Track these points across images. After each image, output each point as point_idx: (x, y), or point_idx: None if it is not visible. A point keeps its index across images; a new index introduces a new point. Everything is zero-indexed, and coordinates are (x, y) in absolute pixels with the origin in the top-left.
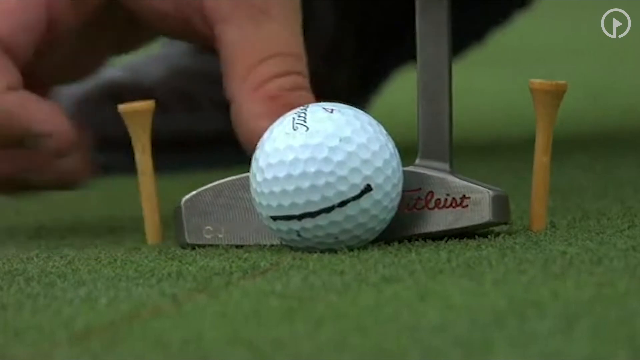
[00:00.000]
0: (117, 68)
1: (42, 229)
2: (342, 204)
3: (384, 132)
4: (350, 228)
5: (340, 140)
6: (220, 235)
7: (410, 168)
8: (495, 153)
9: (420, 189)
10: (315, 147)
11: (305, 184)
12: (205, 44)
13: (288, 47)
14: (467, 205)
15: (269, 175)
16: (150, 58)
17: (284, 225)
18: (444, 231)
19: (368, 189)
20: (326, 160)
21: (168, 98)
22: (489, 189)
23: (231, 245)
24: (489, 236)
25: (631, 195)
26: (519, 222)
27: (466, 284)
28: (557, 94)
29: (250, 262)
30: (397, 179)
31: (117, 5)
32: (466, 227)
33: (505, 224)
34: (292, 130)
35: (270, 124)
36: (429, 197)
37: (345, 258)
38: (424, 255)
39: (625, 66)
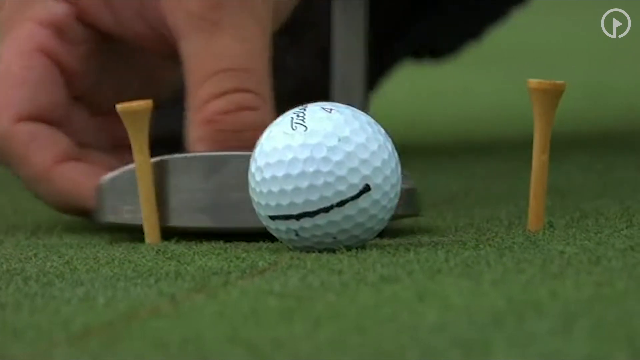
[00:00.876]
0: None
1: (40, 229)
2: (341, 203)
3: (383, 131)
4: (349, 228)
5: (339, 140)
6: (139, 215)
7: None
8: (493, 152)
9: None
10: (314, 147)
11: (304, 184)
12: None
13: (239, 62)
14: None
15: (267, 174)
16: None
17: (282, 225)
18: None
19: (367, 188)
20: (325, 160)
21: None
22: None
23: (229, 245)
24: (487, 236)
25: (629, 195)
26: (517, 221)
27: (464, 284)
28: (555, 94)
29: (248, 261)
30: (396, 178)
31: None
32: None
33: (416, 215)
34: (290, 129)
35: (208, 148)
36: None
37: (344, 258)
38: (422, 255)
39: (624, 66)
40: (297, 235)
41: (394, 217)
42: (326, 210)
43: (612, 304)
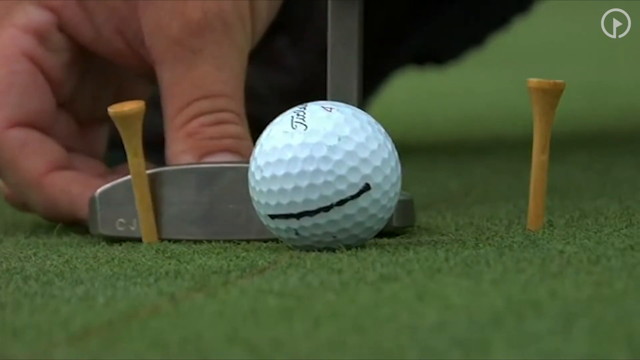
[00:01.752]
0: None
1: (39, 228)
2: (341, 202)
3: (383, 131)
4: (349, 227)
5: (339, 139)
6: (132, 228)
7: None
8: (492, 152)
9: None
10: (314, 146)
11: (304, 183)
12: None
13: (219, 88)
14: None
15: (267, 173)
16: None
17: (282, 224)
18: None
19: (366, 188)
20: (325, 159)
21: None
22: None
23: (229, 244)
24: (486, 235)
25: (629, 195)
26: (517, 221)
27: (464, 283)
28: (555, 93)
29: (248, 260)
30: (396, 178)
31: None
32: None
33: (411, 227)
34: (290, 129)
35: (191, 159)
36: None
37: (343, 257)
38: (422, 254)
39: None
40: (297, 234)
41: (391, 230)
42: (326, 209)
43: (611, 304)
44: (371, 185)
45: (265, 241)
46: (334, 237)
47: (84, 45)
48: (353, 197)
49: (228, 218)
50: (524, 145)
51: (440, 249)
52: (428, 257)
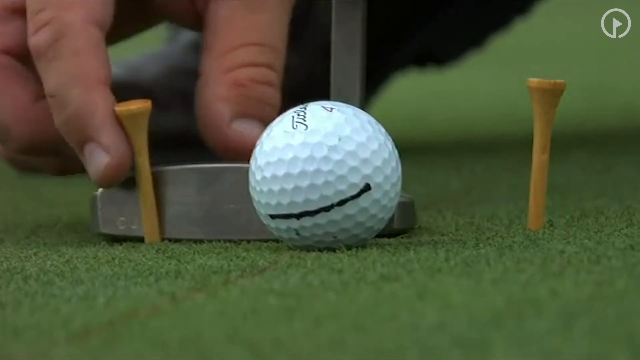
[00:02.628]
0: (115, 66)
1: (40, 227)
2: (341, 203)
3: (383, 130)
4: (349, 227)
5: (340, 139)
6: (133, 227)
7: None
8: (493, 152)
9: None
10: (315, 146)
11: (304, 183)
12: (183, 19)
13: (272, 39)
14: None
15: (267, 173)
16: (149, 56)
17: (282, 224)
18: None
19: (367, 188)
20: (325, 159)
21: (166, 96)
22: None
23: (229, 244)
24: (487, 235)
25: (629, 194)
26: (517, 220)
27: (464, 283)
28: (555, 93)
29: (248, 260)
30: (396, 178)
31: None
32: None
33: (412, 228)
34: (291, 128)
35: (229, 110)
36: None
37: (344, 257)
38: (422, 254)
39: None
40: (297, 234)
41: (392, 232)
42: (327, 209)
43: (612, 303)
44: (372, 185)
45: (266, 241)
46: (335, 237)
47: None
48: (354, 197)
49: (229, 218)
50: (524, 145)
51: (441, 249)
52: (428, 257)
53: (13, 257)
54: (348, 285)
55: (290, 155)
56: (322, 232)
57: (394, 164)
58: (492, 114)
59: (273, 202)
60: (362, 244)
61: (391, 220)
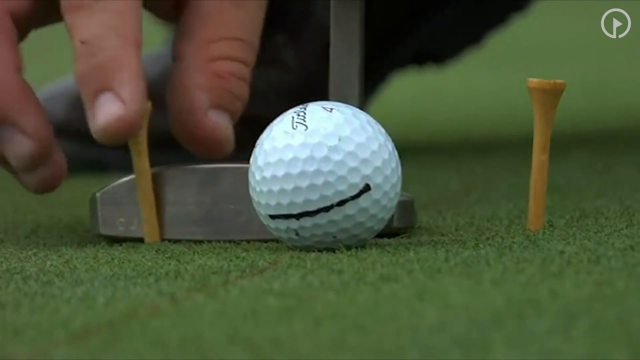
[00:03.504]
0: None
1: (39, 228)
2: (341, 203)
3: (383, 131)
4: (349, 227)
5: (340, 139)
6: (132, 228)
7: None
8: (493, 152)
9: None
10: (314, 146)
11: (304, 183)
12: (163, 12)
13: (251, 36)
14: None
15: (267, 173)
16: (148, 57)
17: (282, 224)
18: None
19: (367, 188)
20: (325, 159)
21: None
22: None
23: (229, 244)
24: (487, 235)
25: (629, 195)
26: (517, 221)
27: (464, 283)
28: (555, 93)
29: (248, 260)
30: (396, 178)
31: None
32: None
33: (412, 227)
34: (291, 129)
35: (207, 99)
36: None
37: (344, 257)
38: (422, 254)
39: (624, 66)
40: (297, 234)
41: (392, 231)
42: (326, 209)
43: (611, 304)
44: (371, 185)
45: (266, 241)
46: (334, 237)
47: None
48: (353, 198)
49: (228, 218)
50: (524, 145)
51: (441, 249)
52: (428, 257)
53: (13, 258)
54: (348, 285)
55: (290, 155)
56: (322, 232)
57: (394, 164)
58: (492, 114)
59: (273, 202)
60: (361, 244)
61: (391, 219)
